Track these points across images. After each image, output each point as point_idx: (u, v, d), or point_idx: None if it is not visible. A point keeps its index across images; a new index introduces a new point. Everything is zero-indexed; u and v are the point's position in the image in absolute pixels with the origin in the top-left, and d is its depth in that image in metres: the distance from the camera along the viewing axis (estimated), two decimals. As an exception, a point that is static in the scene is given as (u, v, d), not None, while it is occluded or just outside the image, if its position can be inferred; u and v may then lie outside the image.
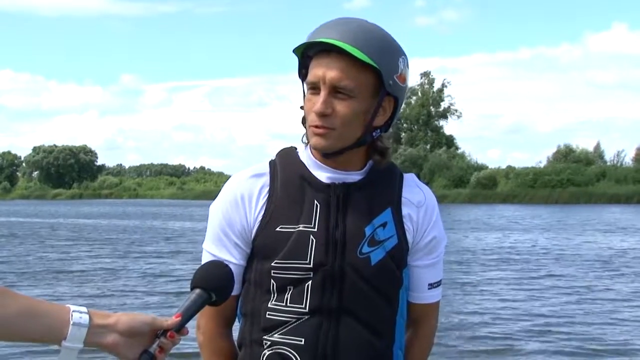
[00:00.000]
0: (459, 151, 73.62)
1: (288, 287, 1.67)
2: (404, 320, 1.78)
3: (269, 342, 1.69)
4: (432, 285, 1.81)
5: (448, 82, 74.90)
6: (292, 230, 1.68)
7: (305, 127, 1.73)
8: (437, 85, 74.69)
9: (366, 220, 1.70)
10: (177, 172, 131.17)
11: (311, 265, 1.66)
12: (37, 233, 26.73)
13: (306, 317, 1.66)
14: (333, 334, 1.67)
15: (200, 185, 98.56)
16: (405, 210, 1.75)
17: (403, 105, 1.78)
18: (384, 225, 1.71)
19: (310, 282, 1.66)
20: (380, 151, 1.75)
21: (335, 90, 1.64)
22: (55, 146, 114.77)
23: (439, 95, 74.41)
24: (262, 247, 1.70)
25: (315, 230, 1.68)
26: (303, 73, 1.71)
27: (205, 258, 1.74)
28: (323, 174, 1.72)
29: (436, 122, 74.64)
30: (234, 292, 1.69)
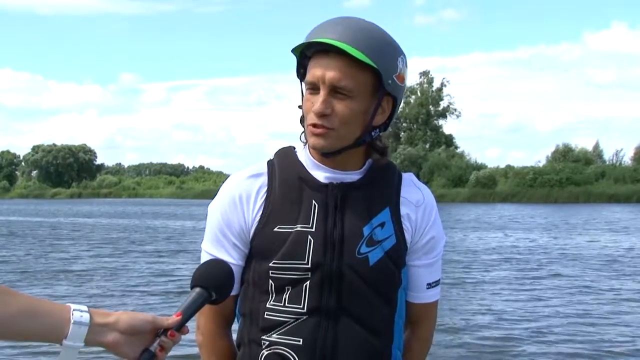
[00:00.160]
0: (458, 150, 73.63)
1: (286, 288, 1.68)
2: (402, 320, 1.79)
3: (267, 342, 1.69)
4: (430, 285, 1.81)
5: (447, 81, 74.97)
6: (290, 230, 1.68)
7: (303, 127, 1.73)
8: (436, 85, 74.74)
9: (364, 220, 1.70)
10: (176, 172, 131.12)
11: (309, 266, 1.66)
12: (37, 232, 26.72)
13: (304, 317, 1.67)
14: (331, 334, 1.67)
15: (199, 185, 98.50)
16: (403, 210, 1.75)
17: (402, 104, 1.78)
18: (382, 225, 1.71)
19: (308, 282, 1.67)
20: (379, 150, 1.75)
21: (334, 90, 1.64)
22: (55, 145, 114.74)
23: (438, 95, 74.38)
24: (260, 247, 1.70)
25: (313, 230, 1.68)
26: (301, 73, 1.71)
27: (204, 258, 1.74)
28: (321, 174, 1.72)
29: (435, 122, 74.61)
30: (233, 292, 1.69)
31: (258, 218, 1.71)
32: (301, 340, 1.66)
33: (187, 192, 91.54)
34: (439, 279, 1.84)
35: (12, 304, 1.28)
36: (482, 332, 8.81)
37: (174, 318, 1.40)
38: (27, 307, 1.29)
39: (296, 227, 1.68)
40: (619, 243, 21.17)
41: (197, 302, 1.44)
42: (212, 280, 1.47)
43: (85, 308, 1.33)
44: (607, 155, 71.85)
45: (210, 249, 1.75)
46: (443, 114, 74.63)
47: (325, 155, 1.70)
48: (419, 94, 74.37)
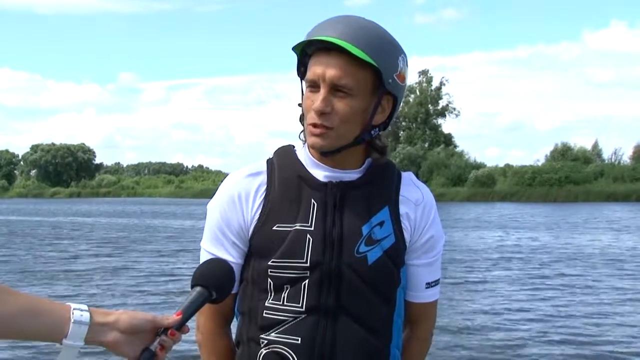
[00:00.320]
0: (458, 149, 73.65)
1: (285, 286, 1.68)
2: (401, 320, 1.79)
3: (265, 341, 1.69)
4: (429, 285, 1.81)
5: (446, 80, 75.00)
6: (289, 229, 1.68)
7: (303, 125, 1.73)
8: (435, 84, 74.74)
9: (363, 219, 1.70)
10: (175, 171, 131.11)
11: (308, 264, 1.66)
12: (36, 232, 26.71)
13: (303, 316, 1.67)
14: (330, 333, 1.67)
15: (198, 184, 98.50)
16: (402, 209, 1.75)
17: (401, 103, 1.78)
18: (381, 224, 1.71)
19: (307, 281, 1.67)
20: (378, 150, 1.75)
21: (334, 89, 1.63)
22: (53, 144, 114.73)
23: (437, 94, 74.40)
24: (259, 246, 1.70)
25: (312, 229, 1.68)
26: (302, 71, 1.71)
27: (203, 257, 1.74)
28: (320, 173, 1.72)
29: (434, 121, 74.63)
30: (232, 291, 1.69)
31: (257, 216, 1.71)
32: (300, 339, 1.67)
33: (186, 191, 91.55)
34: (439, 279, 1.84)
35: (12, 303, 1.28)
36: (484, 332, 8.77)
37: (174, 317, 1.40)
38: (27, 306, 1.29)
39: (295, 226, 1.68)
40: (621, 242, 21.11)
41: (197, 302, 1.44)
42: (213, 280, 1.47)
43: (85, 307, 1.33)
44: (606, 154, 71.95)
45: (209, 248, 1.75)
46: (442, 113, 74.66)
47: (325, 154, 1.70)
48: (418, 93, 74.37)
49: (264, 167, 1.76)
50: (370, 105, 1.67)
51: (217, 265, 1.54)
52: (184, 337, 1.43)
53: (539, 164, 67.94)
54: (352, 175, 1.73)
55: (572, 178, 60.53)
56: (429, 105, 74.13)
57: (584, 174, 61.34)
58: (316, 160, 1.72)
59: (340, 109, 1.64)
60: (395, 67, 1.67)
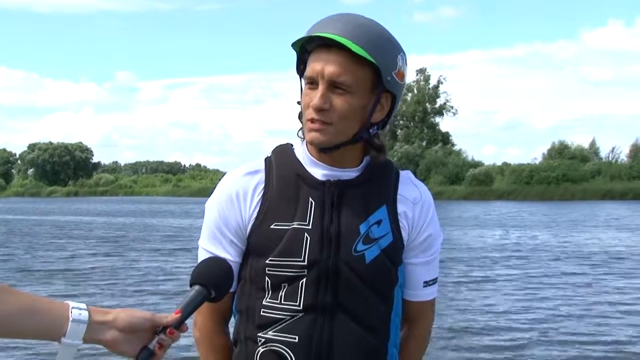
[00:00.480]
0: (455, 148, 73.69)
1: (282, 285, 1.68)
2: (399, 318, 1.79)
3: (263, 340, 1.69)
4: (427, 283, 1.82)
5: (444, 79, 75.06)
6: (287, 227, 1.68)
7: (301, 122, 1.73)
8: (432, 82, 74.78)
9: (361, 218, 1.70)
10: (173, 169, 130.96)
11: (305, 263, 1.67)
12: (34, 231, 26.69)
13: (300, 314, 1.67)
14: (327, 331, 1.67)
15: (196, 183, 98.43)
16: (400, 208, 1.75)
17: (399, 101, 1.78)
18: (379, 222, 1.71)
19: (304, 279, 1.67)
20: (376, 148, 1.75)
21: (333, 85, 1.64)
22: (51, 143, 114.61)
23: (435, 92, 74.44)
24: (257, 244, 1.70)
25: (310, 227, 1.68)
26: (301, 68, 1.71)
27: (201, 255, 1.74)
28: (318, 171, 1.72)
29: (432, 119, 74.67)
30: (230, 289, 1.69)
31: (255, 215, 1.71)
32: (297, 337, 1.67)
33: (184, 190, 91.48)
34: (436, 277, 1.84)
35: (11, 302, 1.28)
36: (484, 332, 8.70)
37: (173, 316, 1.41)
38: (26, 305, 1.29)
39: (293, 224, 1.68)
40: (621, 240, 21.09)
41: (196, 300, 1.44)
42: (211, 278, 1.48)
43: (84, 306, 1.33)
44: (604, 152, 72.04)
45: (207, 246, 1.76)
46: (440, 112, 74.70)
47: (323, 151, 1.70)
48: (415, 91, 74.40)
49: (262, 166, 1.76)
50: (369, 102, 1.68)
51: (215, 264, 1.54)
52: (182, 335, 1.43)
53: (537, 162, 68.05)
54: (350, 173, 1.73)
55: (570, 176, 60.59)
56: (427, 104, 74.16)
57: (581, 172, 61.40)
58: (314, 159, 1.72)
59: (339, 105, 1.64)
60: (394, 65, 1.67)
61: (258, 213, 1.71)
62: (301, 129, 1.74)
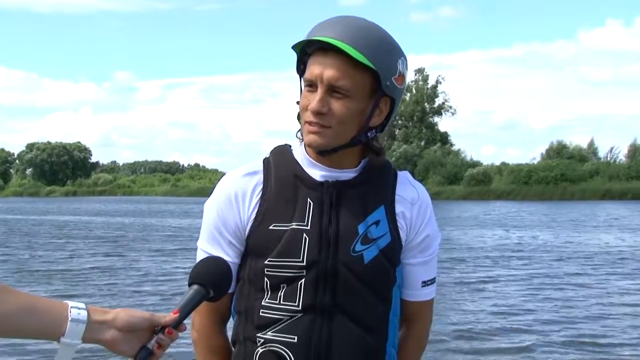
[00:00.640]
0: (454, 148, 73.67)
1: (281, 285, 1.68)
2: (397, 318, 1.79)
3: (262, 340, 1.70)
4: (425, 283, 1.82)
5: (442, 79, 75.02)
6: (285, 228, 1.69)
7: (300, 123, 1.73)
8: (431, 82, 74.75)
9: (359, 219, 1.71)
10: (172, 169, 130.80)
11: (304, 264, 1.67)
12: (32, 230, 26.66)
13: (299, 315, 1.68)
14: (326, 331, 1.68)
15: (194, 183, 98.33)
16: (398, 208, 1.75)
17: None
18: (377, 223, 1.72)
19: (303, 280, 1.67)
20: (375, 151, 1.75)
21: (332, 89, 1.64)
22: (49, 143, 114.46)
23: (433, 92, 74.39)
24: (256, 245, 1.71)
25: (309, 228, 1.68)
26: (301, 69, 1.72)
27: (200, 256, 1.74)
28: (317, 172, 1.72)
29: (430, 119, 74.63)
30: (229, 290, 1.70)
31: (254, 216, 1.72)
32: (296, 337, 1.67)
33: (183, 190, 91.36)
34: (435, 277, 1.85)
35: (10, 301, 1.28)
36: (485, 334, 8.60)
37: (171, 315, 1.41)
38: (25, 305, 1.29)
39: (291, 225, 1.69)
40: (621, 240, 21.02)
41: (194, 300, 1.45)
42: (210, 278, 1.48)
43: (83, 305, 1.34)
44: (602, 152, 72.05)
45: (206, 247, 1.76)
46: (438, 112, 74.64)
47: (321, 154, 1.70)
48: (414, 91, 74.35)
49: (261, 167, 1.76)
50: (368, 107, 1.68)
51: (214, 264, 1.54)
52: (181, 335, 1.43)
53: (535, 162, 68.06)
54: (348, 174, 1.73)
55: (568, 176, 60.58)
56: (425, 104, 74.10)
57: (580, 173, 61.39)
58: (312, 160, 1.73)
59: (337, 109, 1.65)
60: (394, 69, 1.67)
61: (257, 214, 1.71)
62: (300, 130, 1.74)
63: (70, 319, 1.31)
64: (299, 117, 1.73)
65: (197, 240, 1.80)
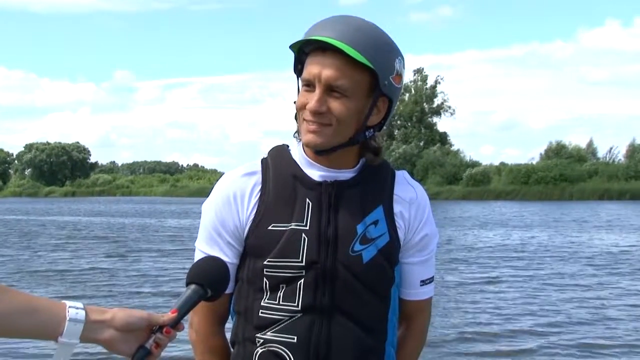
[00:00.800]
0: (453, 148, 73.66)
1: (281, 286, 1.68)
2: (396, 317, 1.80)
3: (261, 340, 1.70)
4: (424, 282, 1.82)
5: (441, 79, 75.02)
6: (284, 228, 1.69)
7: (297, 123, 1.73)
8: (430, 82, 74.75)
9: (358, 219, 1.71)
10: (171, 169, 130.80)
11: (303, 264, 1.67)
12: (31, 231, 26.64)
13: (299, 315, 1.68)
14: (325, 331, 1.68)
15: (193, 183, 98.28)
16: (397, 208, 1.76)
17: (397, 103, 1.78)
18: (375, 223, 1.72)
19: (302, 280, 1.67)
20: (373, 150, 1.76)
21: (329, 89, 1.64)
22: (48, 143, 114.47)
23: (432, 92, 74.38)
24: (255, 245, 1.71)
25: (307, 228, 1.68)
26: (299, 69, 1.71)
27: (198, 257, 1.74)
28: (315, 172, 1.72)
29: (429, 119, 74.63)
30: (227, 291, 1.70)
31: (252, 216, 1.72)
32: (295, 337, 1.67)
33: (182, 190, 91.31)
34: (433, 276, 1.85)
35: (8, 301, 1.28)
36: (487, 335, 8.57)
37: (169, 315, 1.41)
38: (23, 305, 1.29)
39: (290, 225, 1.69)
40: (622, 240, 21.00)
41: (192, 299, 1.45)
42: (208, 277, 1.48)
43: (81, 305, 1.34)
44: (601, 152, 72.06)
45: (204, 248, 1.76)
46: (437, 112, 74.61)
47: (319, 153, 1.70)
48: (413, 91, 74.33)
49: (259, 167, 1.76)
50: (366, 106, 1.68)
51: (212, 263, 1.54)
52: (178, 334, 1.43)
53: (534, 162, 68.08)
54: (346, 174, 1.73)
55: (567, 176, 60.59)
56: (424, 104, 74.09)
57: (579, 173, 61.40)
58: (311, 160, 1.73)
59: (336, 109, 1.65)
60: (392, 69, 1.67)
61: (255, 214, 1.71)
62: (298, 130, 1.74)
63: (68, 318, 1.31)
64: (296, 117, 1.73)
65: (195, 240, 1.80)
